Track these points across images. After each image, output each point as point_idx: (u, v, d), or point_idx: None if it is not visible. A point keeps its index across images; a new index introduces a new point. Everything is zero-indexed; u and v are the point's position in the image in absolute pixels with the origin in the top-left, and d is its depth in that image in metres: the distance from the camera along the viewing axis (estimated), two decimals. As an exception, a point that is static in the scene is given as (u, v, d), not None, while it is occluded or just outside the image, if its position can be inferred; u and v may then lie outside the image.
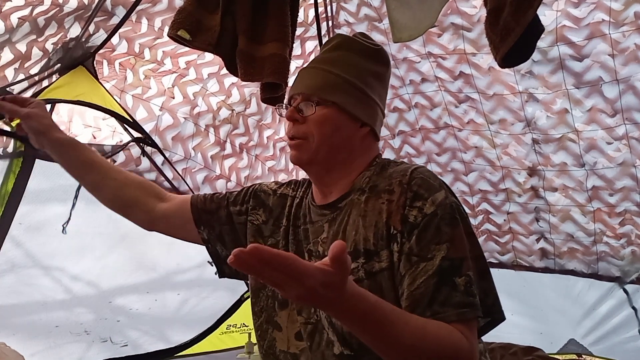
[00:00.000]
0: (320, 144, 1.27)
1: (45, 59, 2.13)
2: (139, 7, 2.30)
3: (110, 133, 2.53)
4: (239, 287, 2.91)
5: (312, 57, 3.00)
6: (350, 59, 1.32)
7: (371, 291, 1.03)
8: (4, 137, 2.17)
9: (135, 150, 2.59)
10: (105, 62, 2.43)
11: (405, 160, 2.60)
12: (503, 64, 1.55)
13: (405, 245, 1.15)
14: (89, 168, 1.51)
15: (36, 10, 1.94)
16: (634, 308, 2.74)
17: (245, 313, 2.93)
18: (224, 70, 2.06)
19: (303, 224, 1.33)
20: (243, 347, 2.62)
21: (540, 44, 2.29)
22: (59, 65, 2.24)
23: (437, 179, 1.22)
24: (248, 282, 1.47)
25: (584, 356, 2.83)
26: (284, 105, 1.37)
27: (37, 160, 2.29)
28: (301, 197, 1.38)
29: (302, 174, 3.26)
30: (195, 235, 1.48)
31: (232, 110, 2.86)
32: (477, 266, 1.16)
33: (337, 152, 1.28)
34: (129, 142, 2.54)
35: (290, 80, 2.06)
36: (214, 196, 1.50)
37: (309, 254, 1.28)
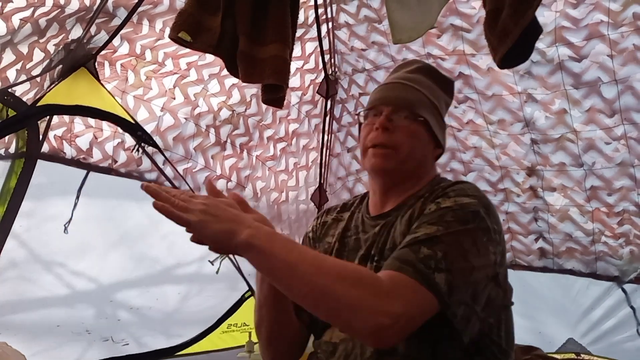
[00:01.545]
0: (409, 155, 1.32)
1: (47, 61, 2.14)
2: (140, 9, 2.31)
3: (111, 133, 2.54)
4: (239, 283, 2.92)
5: (312, 58, 3.02)
6: (431, 84, 1.39)
7: None
8: (6, 138, 2.19)
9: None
10: (106, 64, 2.44)
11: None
12: (502, 65, 1.56)
13: (411, 230, 1.19)
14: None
15: (38, 12, 1.95)
16: (632, 307, 2.74)
17: (245, 312, 2.94)
18: (225, 71, 2.07)
19: (355, 234, 1.37)
20: (244, 346, 2.63)
21: (539, 44, 2.30)
22: (60, 66, 2.24)
23: (477, 194, 1.22)
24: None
25: (582, 355, 2.83)
26: (363, 112, 1.41)
27: (39, 160, 2.30)
28: (352, 212, 1.44)
29: (302, 176, 3.27)
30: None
31: (233, 110, 2.87)
32: (463, 267, 1.11)
33: (417, 166, 1.34)
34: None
35: (291, 81, 2.08)
36: None
37: (361, 259, 1.30)
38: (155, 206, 1.06)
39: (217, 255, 2.59)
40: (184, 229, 1.08)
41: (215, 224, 1.06)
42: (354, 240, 1.36)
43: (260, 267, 1.12)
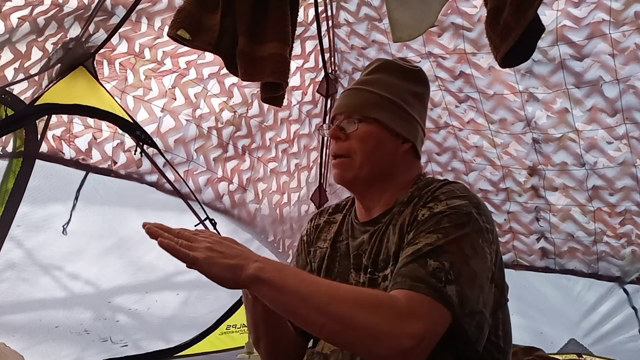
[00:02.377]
0: (364, 160, 1.29)
1: (45, 59, 2.13)
2: (138, 7, 2.30)
3: (110, 134, 2.53)
4: (238, 290, 2.90)
5: (312, 56, 3.00)
6: (389, 79, 1.35)
7: None
8: (4, 137, 2.18)
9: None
10: (105, 62, 2.43)
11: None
12: (503, 64, 1.55)
13: (406, 238, 1.17)
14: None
15: (36, 10, 1.95)
16: (634, 308, 2.73)
17: (245, 313, 2.93)
18: (225, 70, 2.06)
19: (345, 239, 1.36)
20: (243, 347, 2.62)
21: (541, 43, 2.29)
22: (59, 65, 2.23)
23: (467, 194, 1.20)
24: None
25: (584, 356, 2.82)
26: (326, 125, 1.39)
27: (37, 160, 2.29)
28: (344, 215, 1.42)
29: (303, 177, 3.26)
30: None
31: (235, 112, 2.86)
32: (469, 274, 1.10)
33: (379, 168, 1.31)
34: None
35: (291, 80, 2.07)
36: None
37: (354, 268, 1.29)
38: (161, 244, 1.05)
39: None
40: None
41: (222, 260, 1.06)
42: (345, 245, 1.35)
43: (271, 301, 1.08)
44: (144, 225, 1.09)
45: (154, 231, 1.08)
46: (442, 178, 1.33)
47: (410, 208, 1.23)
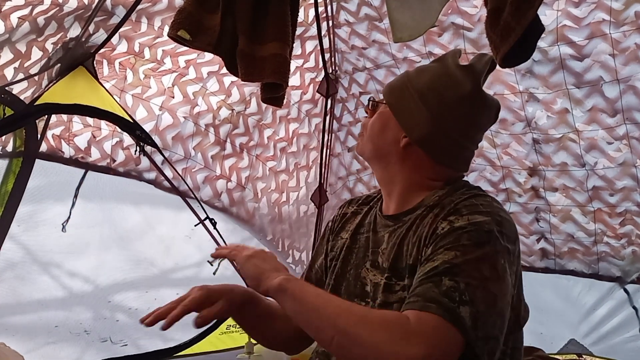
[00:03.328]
0: (367, 140, 1.36)
1: (45, 59, 2.12)
2: (139, 7, 2.29)
3: (109, 132, 2.53)
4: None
5: (312, 56, 3.00)
6: (437, 71, 1.32)
7: None
8: (3, 137, 2.17)
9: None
10: (105, 62, 2.42)
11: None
12: (503, 64, 1.54)
13: (424, 252, 1.15)
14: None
15: (36, 10, 1.94)
16: (634, 308, 2.73)
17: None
18: (224, 70, 2.06)
19: (366, 232, 1.36)
20: (243, 347, 2.61)
21: (541, 43, 2.29)
22: (59, 65, 2.23)
23: (490, 210, 1.15)
24: None
25: (584, 356, 2.82)
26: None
27: (37, 160, 2.29)
28: (370, 207, 1.42)
29: (302, 176, 3.26)
30: None
31: (232, 109, 2.86)
32: (486, 297, 1.06)
33: (379, 152, 1.34)
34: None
35: (291, 80, 2.07)
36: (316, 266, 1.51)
37: (370, 262, 1.29)
38: (215, 253, 1.39)
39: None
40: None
41: (260, 263, 1.24)
42: (365, 238, 1.35)
43: (290, 309, 1.16)
44: (213, 252, 1.47)
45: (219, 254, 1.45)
46: (475, 186, 1.30)
47: (432, 217, 1.20)
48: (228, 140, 2.89)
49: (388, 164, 1.32)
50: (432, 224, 1.18)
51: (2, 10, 1.86)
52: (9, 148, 2.22)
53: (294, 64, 2.66)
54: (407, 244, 1.22)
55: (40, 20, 1.98)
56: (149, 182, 2.64)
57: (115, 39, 2.37)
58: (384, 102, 1.34)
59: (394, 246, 1.25)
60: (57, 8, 1.99)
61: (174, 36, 1.87)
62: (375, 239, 1.31)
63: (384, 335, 1.02)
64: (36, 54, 2.07)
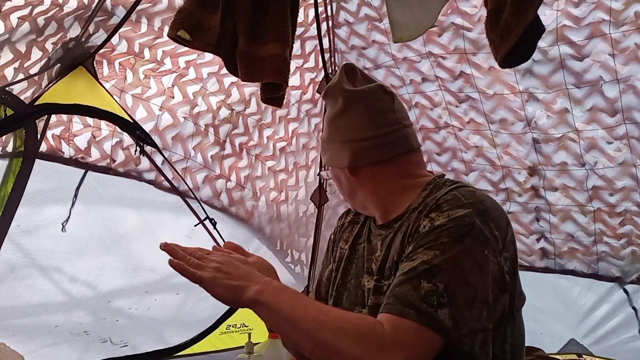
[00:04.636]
0: (345, 197, 1.45)
1: (45, 59, 2.12)
2: (138, 7, 2.29)
3: (109, 132, 2.53)
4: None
5: (312, 56, 3.00)
6: (334, 104, 1.38)
7: None
8: (3, 137, 2.17)
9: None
10: (105, 62, 2.42)
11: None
12: (503, 64, 1.55)
13: (406, 249, 1.16)
14: None
15: (36, 10, 1.94)
16: (634, 308, 2.73)
17: (245, 313, 2.92)
18: (224, 70, 2.06)
19: (363, 241, 1.38)
20: (243, 347, 2.61)
21: (541, 43, 2.28)
22: (59, 65, 2.23)
23: (473, 201, 1.15)
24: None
25: (584, 356, 2.82)
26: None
27: (37, 160, 2.29)
28: (366, 217, 1.44)
29: (301, 175, 3.26)
30: None
31: (232, 109, 2.86)
32: (466, 293, 1.08)
33: (350, 197, 1.40)
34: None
35: (291, 80, 2.07)
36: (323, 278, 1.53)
37: (366, 271, 1.31)
38: (171, 264, 1.15)
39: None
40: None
41: (227, 281, 1.14)
42: (362, 248, 1.37)
43: (268, 322, 1.18)
44: (161, 245, 1.19)
45: (170, 248, 1.18)
46: (454, 180, 1.29)
47: (416, 215, 1.21)
48: (228, 140, 2.89)
49: (357, 196, 1.38)
50: (415, 222, 1.20)
51: (2, 10, 1.86)
52: (9, 148, 2.22)
53: (293, 64, 2.66)
54: (394, 246, 1.24)
55: (40, 21, 1.98)
56: (149, 182, 2.65)
57: (115, 39, 2.37)
58: (326, 167, 1.43)
59: (382, 250, 1.27)
60: (57, 8, 1.99)
61: (173, 36, 1.88)
62: (370, 248, 1.33)
63: (361, 347, 1.05)
64: (36, 54, 2.07)
